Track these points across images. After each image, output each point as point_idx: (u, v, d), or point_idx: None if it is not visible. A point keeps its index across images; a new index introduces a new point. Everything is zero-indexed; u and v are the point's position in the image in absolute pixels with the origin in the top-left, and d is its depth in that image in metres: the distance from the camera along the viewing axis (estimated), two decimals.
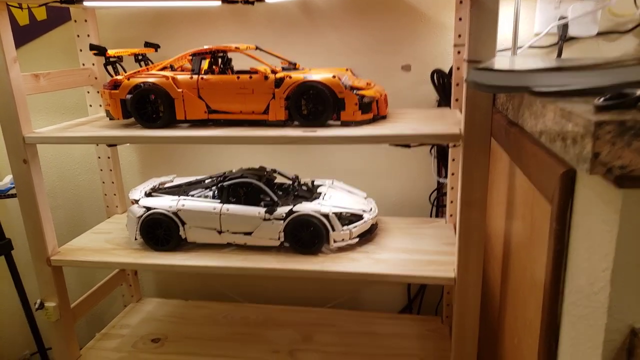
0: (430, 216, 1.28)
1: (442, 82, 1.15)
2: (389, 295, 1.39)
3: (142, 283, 1.49)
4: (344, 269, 0.96)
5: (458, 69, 1.07)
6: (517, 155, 0.75)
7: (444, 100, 1.16)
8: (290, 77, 0.93)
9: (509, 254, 0.88)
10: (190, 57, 1.01)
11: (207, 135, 0.93)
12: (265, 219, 1.02)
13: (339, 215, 1.02)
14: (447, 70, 1.16)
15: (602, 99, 0.42)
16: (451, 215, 1.16)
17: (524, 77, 0.52)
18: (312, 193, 1.13)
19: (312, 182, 1.19)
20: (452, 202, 1.15)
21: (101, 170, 1.30)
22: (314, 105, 0.94)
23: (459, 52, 1.07)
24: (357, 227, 1.03)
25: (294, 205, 1.01)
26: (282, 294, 1.45)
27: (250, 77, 0.95)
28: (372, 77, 1.14)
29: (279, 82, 0.94)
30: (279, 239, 1.02)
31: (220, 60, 1.04)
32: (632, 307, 0.44)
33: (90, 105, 1.24)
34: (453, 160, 1.12)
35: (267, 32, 1.25)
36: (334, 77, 0.92)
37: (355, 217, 1.05)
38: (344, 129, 0.91)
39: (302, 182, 1.18)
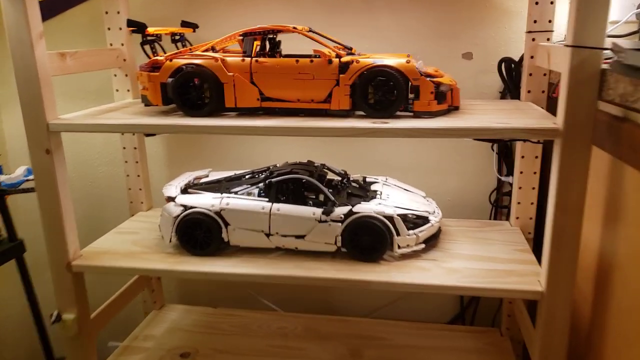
0: (491, 218, 1.17)
1: (510, 72, 1.04)
2: (437, 303, 1.28)
3: (165, 287, 1.37)
4: (413, 280, 0.85)
5: (532, 57, 0.96)
6: (634, 155, 0.64)
7: (511, 91, 1.05)
8: (357, 62, 0.82)
9: (610, 268, 0.77)
10: (241, 38, 0.89)
11: (262, 126, 0.81)
12: (321, 221, 0.90)
13: (404, 218, 0.91)
14: (516, 59, 1.05)
15: None
16: (518, 218, 1.05)
17: None
18: (366, 191, 1.02)
19: (364, 178, 1.08)
20: (519, 203, 1.04)
21: (126, 162, 1.18)
22: (384, 93, 0.82)
23: (533, 40, 0.96)
24: (424, 232, 0.92)
25: (352, 206, 0.90)
26: (318, 300, 1.34)
27: (312, 61, 0.83)
28: (431, 65, 1.04)
29: (344, 67, 0.83)
30: (335, 243, 0.91)
31: (268, 42, 0.92)
32: None
33: (117, 90, 1.12)
34: (523, 157, 1.02)
35: (314, 14, 1.13)
36: (407, 61, 0.81)
37: (421, 220, 0.94)
38: (419, 121, 0.80)
39: (352, 178, 1.07)
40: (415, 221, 0.93)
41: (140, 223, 1.14)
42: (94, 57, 1.01)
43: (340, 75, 0.83)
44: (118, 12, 1.06)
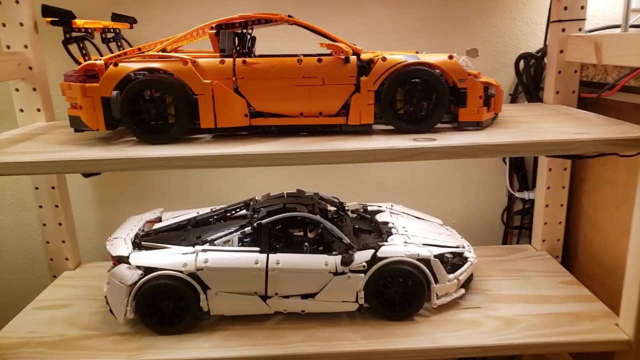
0: (505, 241, 1.01)
1: (528, 71, 0.89)
2: None
3: None
4: (468, 340, 0.65)
5: (561, 51, 0.81)
6: None
7: (531, 92, 0.89)
8: (383, 59, 0.61)
9: None
10: (214, 31, 0.64)
11: (258, 153, 0.57)
12: (337, 273, 0.68)
13: (441, 259, 0.71)
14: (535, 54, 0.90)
15: None
16: (544, 241, 0.90)
17: None
18: (373, 224, 0.81)
19: (364, 208, 0.87)
20: (546, 223, 0.89)
21: (40, 206, 0.87)
22: (419, 100, 0.62)
23: (563, 30, 0.80)
24: (464, 273, 0.73)
25: (375, 249, 0.69)
26: None
27: (320, 60, 0.61)
28: None
29: (365, 68, 0.61)
30: (356, 300, 0.69)
31: (238, 40, 0.68)
32: None
33: (22, 110, 0.81)
34: (550, 170, 0.86)
35: (285, 4, 0.90)
36: (450, 57, 0.62)
37: (457, 259, 0.75)
38: (469, 135, 0.61)
39: (347, 207, 0.86)
40: (453, 261, 0.74)
41: (69, 289, 0.84)
42: None
43: (361, 79, 0.61)
44: (17, 2, 0.76)
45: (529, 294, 0.76)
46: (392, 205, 0.87)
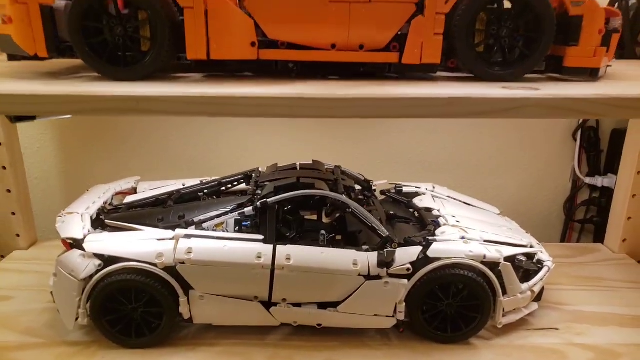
0: (564, 236, 0.82)
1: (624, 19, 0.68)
2: None
3: None
4: None
5: None
6: None
7: (622, 45, 0.68)
8: None
9: None
10: None
11: (276, 96, 0.38)
12: (370, 277, 0.49)
13: (511, 261, 0.52)
14: None
15: None
16: (624, 240, 0.71)
17: None
18: (412, 211, 0.62)
19: (398, 189, 0.67)
20: (629, 218, 0.70)
21: None
22: (510, 32, 0.42)
23: None
24: (539, 283, 0.54)
25: (424, 247, 0.50)
26: None
27: None
28: None
29: None
30: (394, 314, 0.50)
31: None
32: None
33: None
34: None
35: None
36: None
37: (531, 263, 0.55)
38: (583, 86, 0.41)
39: (374, 187, 0.66)
40: (525, 266, 0.54)
41: (15, 275, 0.66)
42: None
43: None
44: None
45: (621, 313, 0.57)
46: (434, 187, 0.68)
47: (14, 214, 0.70)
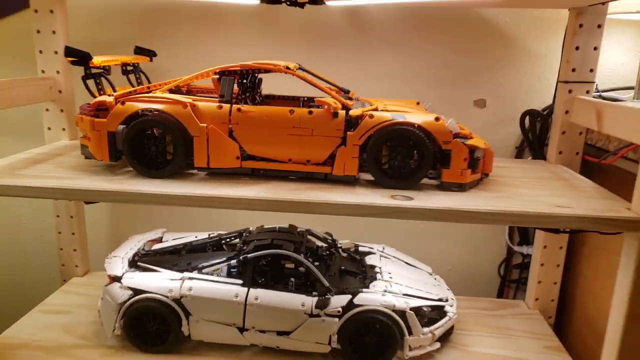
0: (500, 294, 1.01)
1: (534, 127, 0.89)
2: None
3: None
4: None
5: (567, 112, 0.81)
6: None
7: (535, 150, 0.89)
8: (371, 117, 0.63)
9: None
10: (217, 77, 0.69)
11: (244, 197, 0.60)
12: (312, 315, 0.70)
13: (417, 311, 0.72)
14: (541, 111, 0.90)
15: None
16: (537, 299, 0.89)
17: None
18: (360, 266, 0.83)
19: (356, 247, 0.89)
20: (540, 282, 0.88)
21: (57, 216, 0.94)
22: (403, 158, 0.64)
23: (570, 91, 0.81)
24: (440, 328, 0.74)
25: (353, 295, 0.71)
26: None
27: (311, 113, 0.64)
28: (437, 113, 0.87)
29: (353, 123, 0.64)
30: (329, 343, 0.71)
31: (246, 81, 0.72)
32: None
33: (49, 129, 0.89)
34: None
35: (299, 46, 0.94)
36: (437, 119, 0.64)
37: (436, 312, 0.75)
38: (450, 196, 0.62)
39: (339, 245, 0.88)
40: (430, 315, 0.75)
41: (73, 296, 0.90)
42: (19, 90, 0.78)
43: (348, 133, 0.64)
44: (54, 32, 0.83)
45: (508, 355, 0.76)
46: (383, 248, 0.89)
47: (75, 250, 0.96)
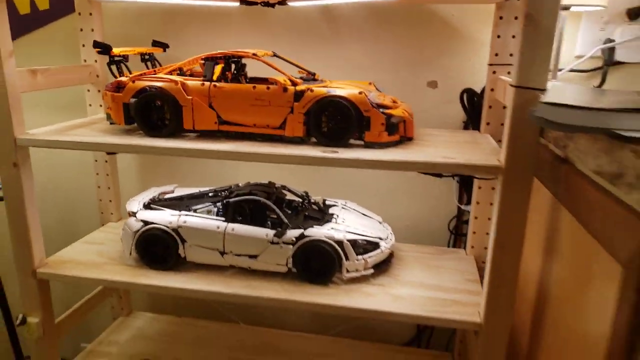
0: (449, 245, 1.20)
1: (472, 103, 1.07)
2: (396, 326, 1.30)
3: (133, 295, 1.40)
4: (357, 304, 0.87)
5: (492, 90, 0.99)
6: (569, 197, 0.67)
7: (473, 122, 1.07)
8: (311, 91, 0.85)
9: (545, 301, 0.79)
10: (202, 62, 0.92)
11: (215, 149, 0.84)
12: (273, 243, 0.93)
13: (353, 243, 0.93)
14: (478, 90, 1.08)
15: None
16: (473, 247, 1.08)
17: (606, 117, 0.44)
18: (323, 214, 1.04)
19: (324, 201, 1.10)
20: (474, 232, 1.07)
21: (97, 174, 1.21)
22: (336, 123, 0.85)
23: (494, 72, 0.98)
24: (373, 257, 0.95)
25: (305, 229, 0.93)
26: (283, 317, 1.36)
27: (268, 88, 0.86)
28: (396, 93, 1.07)
29: (298, 95, 0.86)
30: (286, 265, 0.94)
31: (233, 65, 0.95)
32: None
33: (90, 105, 1.16)
34: (480, 188, 1.04)
35: (284, 38, 1.16)
36: (360, 93, 0.84)
37: (371, 245, 0.96)
38: (368, 151, 0.83)
39: (312, 200, 1.09)
40: (366, 247, 0.95)
41: (108, 234, 1.17)
42: (67, 74, 1.05)
43: (295, 104, 0.85)
44: (92, 30, 1.10)
45: (430, 283, 0.95)
46: (346, 202, 1.10)
47: (110, 201, 1.23)
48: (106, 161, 1.19)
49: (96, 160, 1.20)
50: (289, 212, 1.03)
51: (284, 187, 1.08)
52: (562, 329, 0.71)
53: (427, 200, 1.20)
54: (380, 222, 1.06)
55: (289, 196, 1.07)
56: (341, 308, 0.87)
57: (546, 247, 0.80)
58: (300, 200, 1.08)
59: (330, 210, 1.05)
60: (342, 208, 1.07)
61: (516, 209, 0.76)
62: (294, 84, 0.87)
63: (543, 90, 0.72)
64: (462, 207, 1.15)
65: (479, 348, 0.83)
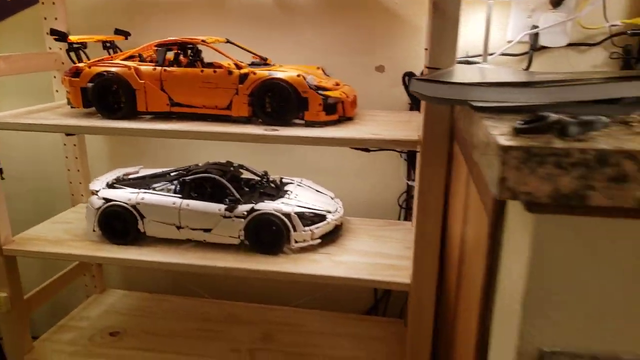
0: (399, 219, 1.27)
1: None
2: (355, 296, 1.38)
3: (107, 274, 1.47)
4: (303, 270, 0.94)
5: (422, 73, 1.06)
6: (469, 164, 0.74)
7: (415, 103, 1.14)
8: (254, 74, 0.91)
9: (463, 261, 0.87)
10: (155, 48, 0.98)
11: (167, 129, 0.91)
12: (225, 217, 1.00)
13: (301, 215, 1.00)
14: (418, 74, 1.14)
15: (522, 121, 0.41)
16: None
17: (462, 90, 0.51)
18: (278, 191, 1.11)
19: (281, 179, 1.17)
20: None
21: (66, 157, 1.28)
22: (278, 103, 0.92)
23: None
24: (320, 228, 1.02)
25: (256, 204, 1.00)
26: (247, 290, 1.44)
27: (215, 72, 0.93)
28: (346, 77, 1.13)
29: (243, 78, 0.92)
30: (239, 237, 1.01)
31: (189, 51, 1.02)
32: (542, 331, 0.43)
33: (57, 91, 1.22)
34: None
35: (241, 25, 1.22)
36: (298, 75, 0.91)
37: (318, 217, 1.03)
38: (307, 130, 0.89)
39: (270, 179, 1.16)
40: (313, 219, 1.03)
41: (77, 214, 1.24)
42: (31, 61, 1.11)
43: (239, 86, 0.92)
44: (56, 19, 1.15)
45: (373, 251, 1.03)
46: (301, 180, 1.17)
47: (80, 183, 1.29)
48: (75, 145, 1.25)
49: (65, 145, 1.26)
50: (247, 189, 1.10)
51: (241, 167, 1.15)
52: (470, 283, 0.78)
53: (380, 178, 1.27)
54: (332, 198, 1.13)
55: (248, 175, 1.14)
56: (289, 274, 0.95)
57: (463, 214, 0.88)
58: (259, 178, 1.15)
59: (286, 188, 1.12)
60: (298, 185, 1.14)
61: (434, 178, 0.83)
62: (239, 67, 0.93)
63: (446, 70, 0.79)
64: (410, 182, 1.22)
65: (410, 307, 0.91)
